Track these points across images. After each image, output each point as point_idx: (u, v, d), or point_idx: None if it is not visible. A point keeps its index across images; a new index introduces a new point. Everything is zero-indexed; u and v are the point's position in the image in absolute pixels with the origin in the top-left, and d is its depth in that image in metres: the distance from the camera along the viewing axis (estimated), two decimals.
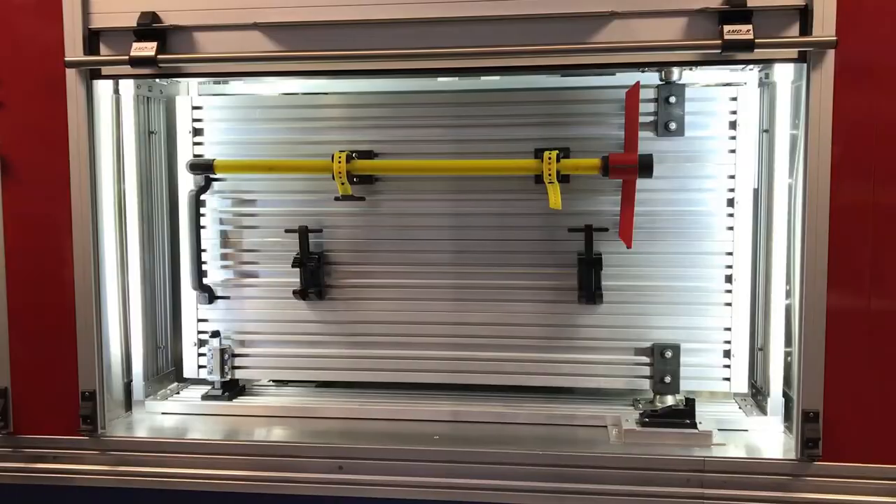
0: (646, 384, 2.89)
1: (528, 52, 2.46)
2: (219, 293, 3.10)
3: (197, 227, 3.02)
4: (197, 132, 3.05)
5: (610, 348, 2.91)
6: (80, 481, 2.75)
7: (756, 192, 2.83)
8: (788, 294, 2.67)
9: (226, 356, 3.05)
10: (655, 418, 2.69)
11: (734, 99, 2.79)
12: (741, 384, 2.86)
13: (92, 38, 2.65)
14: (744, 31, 2.33)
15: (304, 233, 2.95)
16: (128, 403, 2.98)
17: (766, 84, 2.81)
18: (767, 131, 2.80)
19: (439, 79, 3.02)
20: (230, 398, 3.04)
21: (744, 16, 2.35)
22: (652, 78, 2.80)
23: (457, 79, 3.00)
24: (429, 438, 2.70)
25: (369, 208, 2.97)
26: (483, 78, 2.97)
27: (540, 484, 2.54)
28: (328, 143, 2.93)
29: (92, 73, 2.67)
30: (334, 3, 2.52)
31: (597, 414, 2.83)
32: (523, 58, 2.49)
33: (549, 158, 2.68)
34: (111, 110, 2.84)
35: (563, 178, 2.77)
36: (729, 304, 2.84)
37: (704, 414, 2.73)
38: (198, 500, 2.70)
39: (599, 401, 2.97)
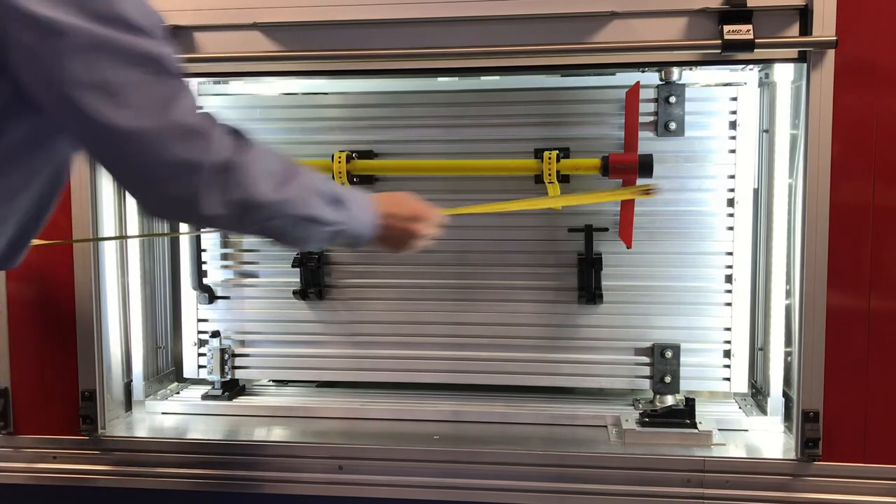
0: (646, 384, 2.89)
1: (528, 52, 2.46)
2: (219, 293, 3.09)
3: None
4: None
5: (610, 348, 2.90)
6: (80, 481, 2.74)
7: (756, 192, 2.82)
8: (788, 294, 2.67)
9: (226, 356, 3.05)
10: (655, 418, 2.69)
11: (734, 99, 2.78)
12: (741, 384, 2.86)
13: None
14: (744, 31, 2.33)
15: None
16: (128, 403, 2.98)
17: (766, 84, 2.81)
18: (767, 131, 2.79)
19: (439, 79, 3.02)
20: (230, 398, 3.04)
21: (744, 16, 2.34)
22: (652, 78, 2.80)
23: (457, 79, 2.99)
24: (429, 438, 2.70)
25: None
26: (483, 78, 2.97)
27: (540, 484, 2.54)
28: (328, 143, 2.92)
29: None
30: (334, 3, 2.51)
31: (596, 414, 2.83)
32: (523, 58, 2.49)
33: (549, 158, 2.68)
34: None
35: (563, 178, 2.77)
36: (729, 304, 2.83)
37: (704, 414, 2.73)
38: (198, 500, 2.70)
39: (599, 401, 2.96)
